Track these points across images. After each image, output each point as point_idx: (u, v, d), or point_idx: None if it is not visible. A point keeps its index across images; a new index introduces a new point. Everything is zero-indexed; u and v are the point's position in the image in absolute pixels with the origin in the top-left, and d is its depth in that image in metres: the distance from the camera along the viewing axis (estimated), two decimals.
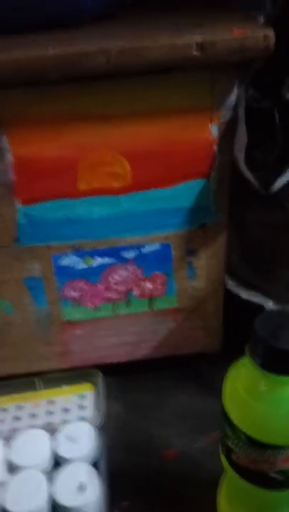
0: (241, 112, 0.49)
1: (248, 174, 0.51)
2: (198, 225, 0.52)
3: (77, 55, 0.39)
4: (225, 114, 0.46)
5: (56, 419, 0.57)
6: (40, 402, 0.60)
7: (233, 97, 0.46)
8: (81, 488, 0.45)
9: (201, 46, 0.41)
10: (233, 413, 0.36)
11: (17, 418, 0.58)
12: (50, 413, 0.58)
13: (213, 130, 0.47)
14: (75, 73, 0.40)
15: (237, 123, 0.49)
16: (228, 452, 0.38)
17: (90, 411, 0.58)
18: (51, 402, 0.60)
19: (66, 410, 0.59)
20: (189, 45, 0.41)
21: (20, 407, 0.60)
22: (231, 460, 0.38)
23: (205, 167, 0.49)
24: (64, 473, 0.47)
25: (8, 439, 0.51)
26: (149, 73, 0.42)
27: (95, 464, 0.49)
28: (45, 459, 0.48)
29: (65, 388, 0.62)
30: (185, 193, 0.50)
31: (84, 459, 0.48)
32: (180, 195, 0.50)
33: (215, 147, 0.48)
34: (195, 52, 0.41)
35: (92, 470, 0.47)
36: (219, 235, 0.53)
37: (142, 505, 0.48)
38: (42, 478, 0.46)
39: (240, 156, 0.50)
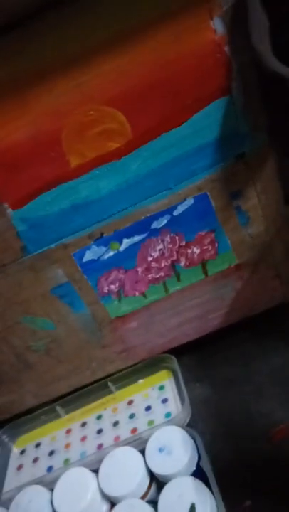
0: None
1: (282, 68, 0.37)
2: (235, 157, 0.40)
3: None
4: None
5: (141, 423, 0.50)
6: (119, 406, 0.54)
7: None
8: (193, 509, 0.38)
9: None
10: None
11: (99, 431, 0.52)
12: (132, 417, 0.52)
13: (217, 25, 0.34)
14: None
15: (247, 4, 0.35)
16: None
17: (174, 404, 0.51)
18: (130, 403, 0.54)
19: (148, 409, 0.52)
20: None
21: (99, 418, 0.54)
22: None
23: (221, 80, 0.36)
24: (168, 495, 0.40)
25: (94, 464, 0.45)
26: None
27: (199, 471, 0.41)
28: (141, 482, 0.42)
29: (141, 382, 0.55)
30: (204, 123, 0.38)
31: (185, 472, 0.41)
32: (199, 130, 0.38)
33: (226, 48, 0.35)
34: None
35: (199, 483, 0.40)
36: (265, 162, 0.40)
37: (267, 500, 0.40)
38: (145, 507, 0.40)
39: (263, 47, 0.35)
